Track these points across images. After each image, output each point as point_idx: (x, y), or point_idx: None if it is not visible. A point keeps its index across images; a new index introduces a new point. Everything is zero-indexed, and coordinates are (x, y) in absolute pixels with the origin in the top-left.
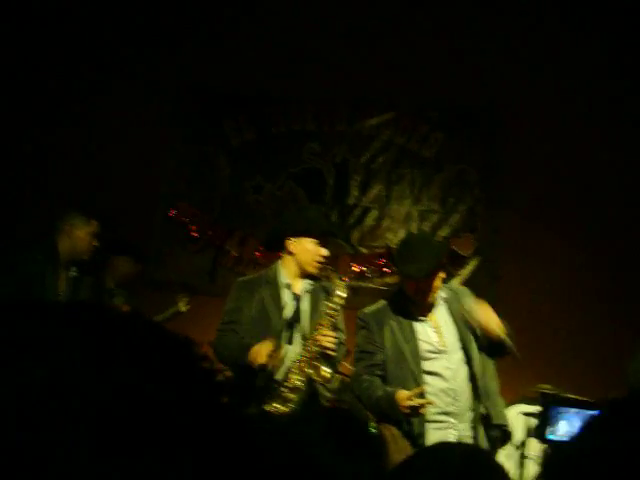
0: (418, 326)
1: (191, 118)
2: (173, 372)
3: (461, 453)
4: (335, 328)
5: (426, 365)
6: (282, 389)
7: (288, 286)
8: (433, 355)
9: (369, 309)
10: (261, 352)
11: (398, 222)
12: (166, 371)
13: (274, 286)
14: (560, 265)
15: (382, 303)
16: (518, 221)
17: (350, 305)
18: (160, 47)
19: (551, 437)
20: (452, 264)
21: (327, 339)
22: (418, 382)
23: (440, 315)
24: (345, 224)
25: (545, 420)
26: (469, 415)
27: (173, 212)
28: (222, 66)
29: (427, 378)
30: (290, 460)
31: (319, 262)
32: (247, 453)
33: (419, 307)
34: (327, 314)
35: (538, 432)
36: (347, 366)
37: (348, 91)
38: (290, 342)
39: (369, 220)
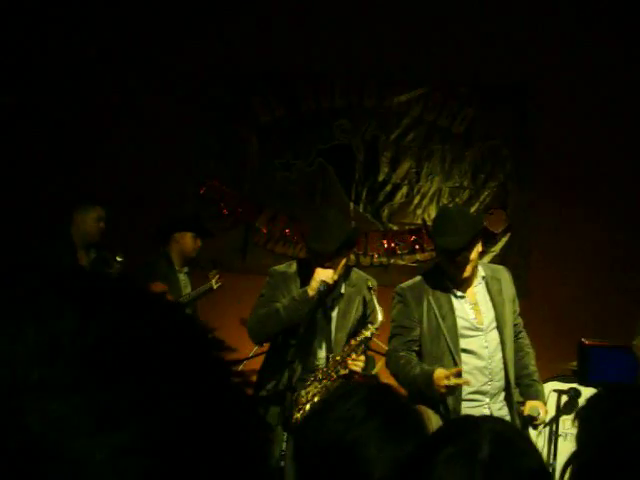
0: (455, 302)
1: (220, 96)
2: (157, 324)
3: (490, 433)
4: (366, 346)
5: (463, 342)
6: (299, 398)
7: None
8: (470, 332)
9: (406, 284)
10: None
11: (428, 199)
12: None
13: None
14: (592, 241)
15: (419, 278)
16: (549, 197)
17: (379, 282)
18: (188, 25)
19: (593, 378)
20: (483, 241)
21: (356, 364)
22: (455, 359)
23: (478, 293)
24: (375, 201)
25: (584, 364)
26: (503, 395)
27: (203, 190)
28: (250, 43)
29: (463, 356)
30: (334, 439)
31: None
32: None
33: (456, 282)
34: (362, 342)
35: (580, 377)
36: (380, 344)
37: (378, 67)
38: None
39: (399, 197)
